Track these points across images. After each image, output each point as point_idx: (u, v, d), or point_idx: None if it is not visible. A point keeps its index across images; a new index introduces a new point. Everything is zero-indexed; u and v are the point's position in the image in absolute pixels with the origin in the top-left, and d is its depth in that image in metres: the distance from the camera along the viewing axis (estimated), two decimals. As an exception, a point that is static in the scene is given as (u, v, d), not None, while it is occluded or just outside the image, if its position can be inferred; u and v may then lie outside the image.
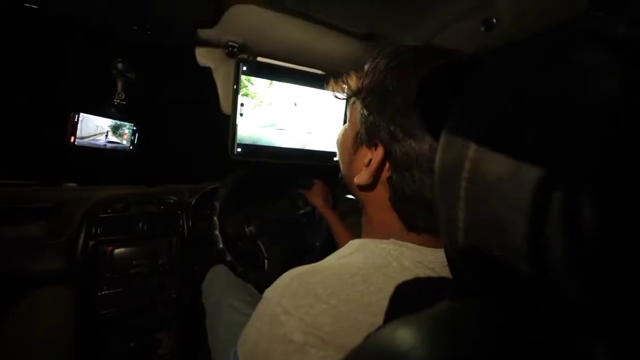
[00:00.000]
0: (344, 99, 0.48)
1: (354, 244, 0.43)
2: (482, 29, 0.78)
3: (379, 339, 0.24)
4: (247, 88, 0.87)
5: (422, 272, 0.37)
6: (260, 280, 0.93)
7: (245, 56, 0.86)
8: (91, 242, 0.95)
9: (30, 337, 0.72)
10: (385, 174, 0.41)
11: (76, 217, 0.94)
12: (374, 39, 0.87)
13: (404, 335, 0.23)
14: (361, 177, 0.42)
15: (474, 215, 0.22)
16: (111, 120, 0.87)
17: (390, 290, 0.34)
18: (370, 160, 0.41)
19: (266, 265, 0.97)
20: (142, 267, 1.01)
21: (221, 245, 0.91)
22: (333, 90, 0.48)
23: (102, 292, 0.96)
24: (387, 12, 0.80)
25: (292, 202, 1.13)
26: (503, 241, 0.20)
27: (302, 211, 1.11)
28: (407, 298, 0.34)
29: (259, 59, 0.89)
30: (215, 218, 0.92)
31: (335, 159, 1.07)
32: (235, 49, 0.84)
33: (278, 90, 0.92)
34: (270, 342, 0.33)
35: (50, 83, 0.86)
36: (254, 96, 0.89)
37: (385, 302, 0.33)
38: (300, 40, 0.88)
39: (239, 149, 0.89)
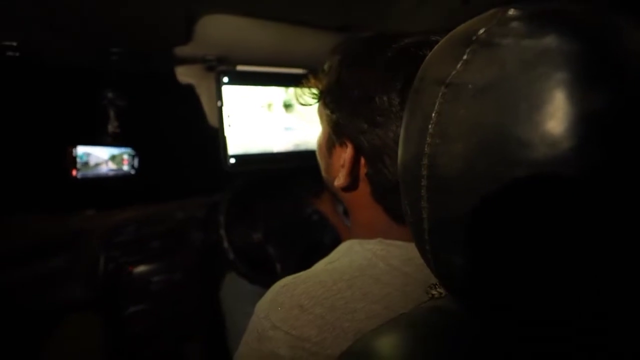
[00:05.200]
0: (311, 104, 0.47)
1: (342, 247, 0.43)
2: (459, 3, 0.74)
3: (358, 349, 0.25)
4: (232, 98, 0.88)
5: (411, 270, 0.36)
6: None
7: (224, 67, 0.87)
8: (110, 266, 1.00)
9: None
10: (362, 170, 0.40)
11: (93, 244, 0.99)
12: (350, 29, 0.86)
13: (381, 345, 0.23)
14: (340, 179, 0.42)
15: (436, 214, 0.21)
16: (109, 148, 0.90)
17: (376, 293, 0.34)
18: (343, 161, 0.41)
19: (278, 268, 0.98)
20: (161, 283, 1.06)
21: (232, 257, 0.93)
22: (301, 100, 0.47)
23: (127, 311, 1.01)
24: (359, 1, 0.78)
25: (297, 203, 1.14)
26: (467, 238, 0.19)
27: (308, 212, 1.11)
28: (394, 300, 0.33)
29: (238, 67, 0.90)
30: (222, 232, 0.94)
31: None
32: (214, 62, 0.85)
33: (263, 96, 0.93)
34: (259, 358, 0.33)
35: (44, 122, 0.91)
36: (240, 105, 0.90)
37: (371, 307, 0.33)
38: (276, 43, 0.87)
39: (232, 160, 0.91)
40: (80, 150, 0.83)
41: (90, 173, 0.86)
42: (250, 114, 0.91)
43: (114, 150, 0.92)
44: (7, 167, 0.86)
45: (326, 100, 0.42)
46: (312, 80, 0.45)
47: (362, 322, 0.31)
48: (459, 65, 0.20)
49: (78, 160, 0.82)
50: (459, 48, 0.20)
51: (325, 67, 0.43)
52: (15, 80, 0.80)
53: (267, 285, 0.95)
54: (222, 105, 0.87)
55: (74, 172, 0.82)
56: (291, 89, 0.95)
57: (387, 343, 0.23)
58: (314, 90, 0.45)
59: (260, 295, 0.92)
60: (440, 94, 0.20)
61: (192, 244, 1.10)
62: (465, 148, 0.18)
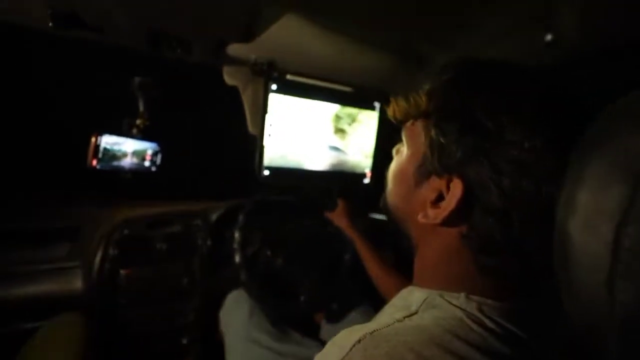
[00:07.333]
0: (403, 122, 0.41)
1: (416, 296, 0.36)
2: (547, 38, 0.69)
3: None
4: (276, 107, 0.82)
5: (508, 335, 0.31)
6: (297, 312, 0.87)
7: (275, 74, 0.81)
8: (107, 265, 0.91)
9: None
10: (463, 214, 0.34)
11: (94, 239, 0.91)
12: (410, 53, 0.81)
13: None
14: (429, 216, 0.35)
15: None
16: (134, 140, 0.83)
17: None
18: (439, 195, 0.35)
19: (302, 298, 0.90)
20: (161, 291, 0.97)
21: (244, 277, 0.85)
22: (393, 112, 0.41)
23: (119, 317, 0.92)
24: (427, 23, 0.73)
25: (315, 221, 1.07)
26: None
27: (327, 230, 1.05)
28: None
29: (288, 76, 0.84)
30: (236, 233, 0.86)
31: (366, 181, 1.00)
32: (264, 67, 0.79)
33: (308, 109, 0.87)
34: None
35: (71, 105, 0.83)
36: (283, 116, 0.83)
37: None
38: (332, 56, 0.82)
39: (266, 172, 0.84)
40: (105, 140, 0.75)
41: (110, 165, 0.79)
42: (292, 127, 0.85)
43: (138, 144, 0.84)
44: (29, 147, 0.77)
45: (440, 123, 0.36)
46: (417, 97, 0.38)
47: None
48: None
49: (101, 150, 0.75)
50: None
51: (438, 84, 0.37)
52: (46, 54, 0.72)
53: (277, 308, 0.88)
54: (266, 112, 0.80)
55: (94, 162, 0.75)
56: (338, 107, 0.90)
57: None
58: (412, 109, 0.39)
59: (265, 318, 0.85)
60: None
61: (200, 251, 1.02)
62: None
